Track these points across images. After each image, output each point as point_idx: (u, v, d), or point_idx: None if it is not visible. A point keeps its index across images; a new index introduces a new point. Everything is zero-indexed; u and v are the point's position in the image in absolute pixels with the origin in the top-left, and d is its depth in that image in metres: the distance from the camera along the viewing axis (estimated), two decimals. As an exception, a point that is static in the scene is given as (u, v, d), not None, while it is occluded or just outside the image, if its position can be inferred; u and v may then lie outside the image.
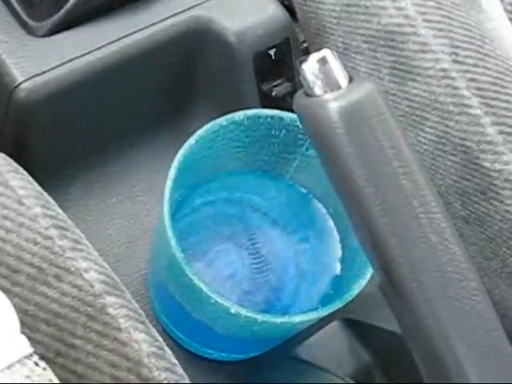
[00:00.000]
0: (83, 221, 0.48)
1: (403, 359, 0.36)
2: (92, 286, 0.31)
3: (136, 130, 0.51)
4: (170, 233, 0.35)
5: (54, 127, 0.46)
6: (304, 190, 0.45)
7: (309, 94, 0.30)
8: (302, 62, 0.30)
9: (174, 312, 0.44)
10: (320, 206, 0.45)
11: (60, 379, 0.27)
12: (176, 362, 0.32)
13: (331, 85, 0.29)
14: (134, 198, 0.50)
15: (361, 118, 0.29)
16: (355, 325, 0.46)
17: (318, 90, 0.30)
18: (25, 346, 0.26)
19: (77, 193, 0.49)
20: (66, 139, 0.48)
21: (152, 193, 0.50)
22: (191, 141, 0.38)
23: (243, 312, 0.35)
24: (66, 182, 0.49)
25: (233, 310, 0.35)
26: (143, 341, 0.31)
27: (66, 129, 0.47)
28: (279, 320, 0.37)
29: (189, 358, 0.47)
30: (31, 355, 0.26)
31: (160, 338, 0.32)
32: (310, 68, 0.30)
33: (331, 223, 0.44)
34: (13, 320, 0.27)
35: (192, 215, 0.44)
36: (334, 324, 0.45)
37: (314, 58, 0.30)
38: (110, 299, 0.31)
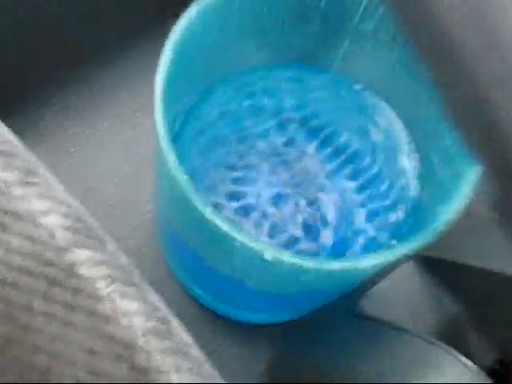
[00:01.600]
0: (67, 153, 0.40)
1: (498, 304, 0.34)
2: (53, 237, 0.23)
3: (124, 36, 0.43)
4: (164, 145, 0.24)
5: (15, 37, 0.39)
6: (358, 86, 0.34)
7: None
8: None
9: (192, 264, 0.34)
10: (384, 106, 0.34)
11: (14, 378, 0.21)
12: (189, 340, 0.24)
13: None
14: (130, 120, 0.42)
15: None
16: (435, 264, 0.37)
17: None
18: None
19: (55, 120, 0.42)
20: (35, 54, 0.41)
21: (152, 111, 0.41)
22: (191, 10, 0.26)
23: (286, 257, 0.24)
24: (40, 107, 0.42)
25: (268, 256, 0.24)
26: (136, 312, 0.23)
27: (31, 40, 0.40)
28: (338, 266, 0.25)
29: (217, 322, 0.38)
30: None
31: (163, 306, 0.24)
32: None
33: (402, 132, 0.33)
34: None
35: (203, 132, 0.33)
36: (408, 265, 0.36)
37: None
38: (81, 253, 0.23)
